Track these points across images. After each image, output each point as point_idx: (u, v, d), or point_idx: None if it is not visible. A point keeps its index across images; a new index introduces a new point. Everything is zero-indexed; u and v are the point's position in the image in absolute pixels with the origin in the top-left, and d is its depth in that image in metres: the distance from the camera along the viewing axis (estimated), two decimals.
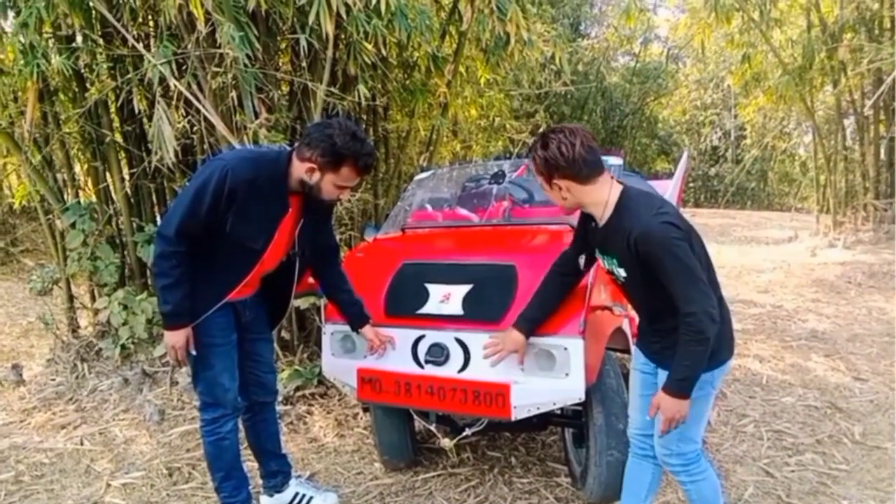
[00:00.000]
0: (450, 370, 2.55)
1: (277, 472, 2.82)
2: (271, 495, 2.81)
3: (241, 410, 2.64)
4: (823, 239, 9.31)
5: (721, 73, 18.58)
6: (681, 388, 1.93)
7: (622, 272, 2.07)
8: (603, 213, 2.03)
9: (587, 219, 2.18)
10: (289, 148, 2.52)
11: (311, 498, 2.84)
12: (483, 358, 2.47)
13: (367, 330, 2.68)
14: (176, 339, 2.36)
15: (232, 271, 2.45)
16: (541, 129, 2.03)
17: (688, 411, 1.96)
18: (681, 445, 2.08)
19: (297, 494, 2.83)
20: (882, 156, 9.34)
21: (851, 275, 7.19)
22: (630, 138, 20.25)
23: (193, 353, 2.41)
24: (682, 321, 1.90)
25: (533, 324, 2.39)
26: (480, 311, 2.56)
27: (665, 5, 20.00)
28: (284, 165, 2.38)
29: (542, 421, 2.77)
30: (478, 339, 2.54)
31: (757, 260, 8.57)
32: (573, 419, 2.77)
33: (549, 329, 2.43)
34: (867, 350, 4.76)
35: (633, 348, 3.06)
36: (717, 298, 1.95)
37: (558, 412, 2.69)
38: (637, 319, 3.20)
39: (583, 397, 2.37)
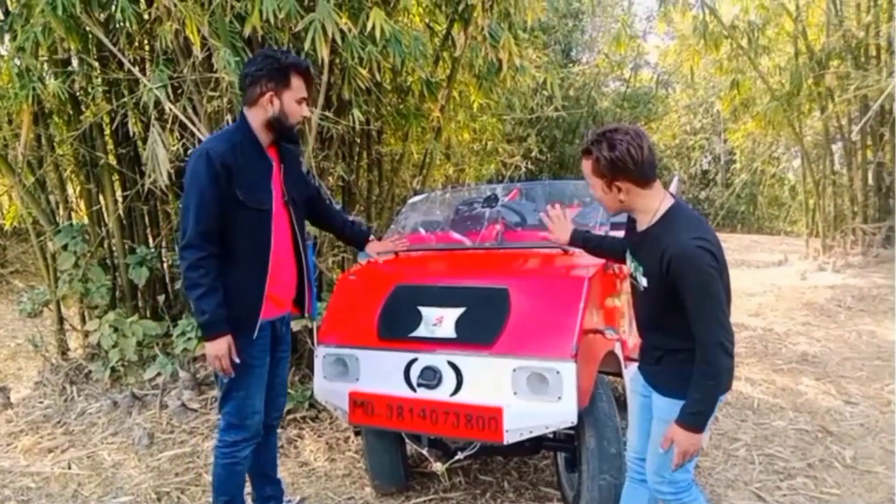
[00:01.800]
0: (442, 393, 2.55)
1: (270, 497, 2.80)
2: None
3: (260, 437, 2.60)
4: (813, 262, 9.37)
5: (710, 98, 18.87)
6: (693, 421, 1.90)
7: (644, 281, 2.05)
8: (648, 220, 2.02)
9: (631, 227, 2.18)
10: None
11: None
12: (546, 217, 2.56)
13: (373, 245, 2.80)
14: (218, 348, 2.34)
15: (257, 252, 2.44)
16: (598, 130, 2.01)
17: (700, 445, 1.94)
18: (674, 474, 2.06)
19: None
20: (870, 180, 9.46)
21: (841, 298, 7.23)
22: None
23: (237, 360, 2.38)
24: (697, 352, 1.88)
25: (585, 241, 2.49)
26: (473, 334, 2.57)
27: (655, 32, 20.29)
28: (246, 126, 2.43)
29: (535, 445, 2.77)
30: (470, 363, 2.54)
31: (747, 283, 8.61)
32: (565, 443, 2.77)
33: (541, 352, 2.44)
34: (857, 373, 4.78)
35: (632, 371, 3.08)
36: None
37: (551, 436, 2.69)
38: (637, 341, 3.24)
39: (575, 421, 2.37)
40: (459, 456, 2.69)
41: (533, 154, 9.97)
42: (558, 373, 2.38)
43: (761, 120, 9.53)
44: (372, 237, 2.97)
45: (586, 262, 2.68)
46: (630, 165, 1.93)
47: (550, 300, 2.56)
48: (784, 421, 3.88)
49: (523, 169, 10.06)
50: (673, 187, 4.34)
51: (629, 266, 2.18)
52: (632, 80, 20.12)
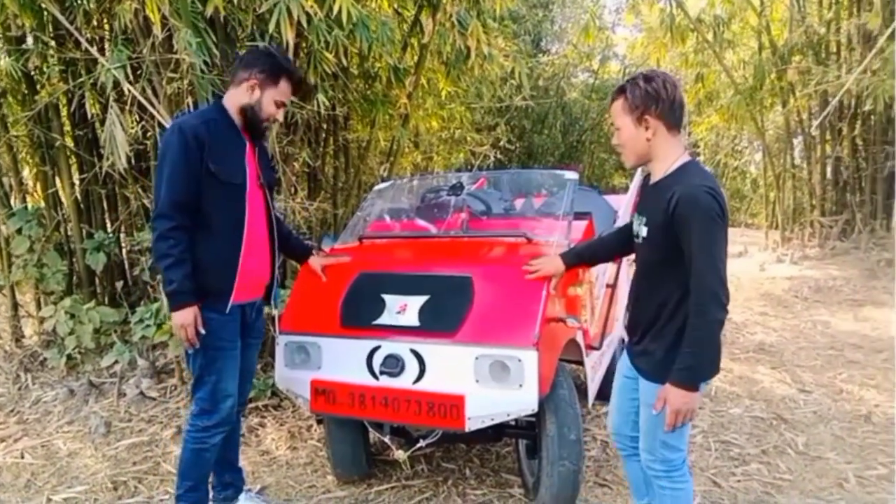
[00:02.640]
0: (405, 381, 2.55)
1: (230, 484, 2.78)
2: None
3: (232, 424, 2.60)
4: (772, 254, 9.60)
5: None
6: (685, 377, 1.87)
7: (644, 231, 2.03)
8: (664, 171, 2.00)
9: (644, 185, 2.17)
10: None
11: None
12: (525, 276, 2.50)
13: (314, 260, 2.83)
14: (184, 317, 2.34)
15: (232, 227, 2.45)
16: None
17: (696, 405, 1.91)
18: (665, 453, 2.06)
19: None
20: (828, 174, 9.71)
21: (798, 289, 7.42)
22: (588, 153, 20.56)
23: (202, 331, 2.38)
24: (691, 303, 1.86)
25: (578, 259, 2.49)
26: (436, 323, 2.57)
27: (623, 24, 20.42)
28: (222, 107, 2.49)
29: (497, 432, 2.79)
30: (433, 351, 2.54)
31: None
32: (527, 430, 2.79)
33: (503, 340, 2.45)
34: (812, 362, 4.91)
35: (593, 359, 3.12)
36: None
37: (512, 423, 2.71)
38: (598, 330, 3.28)
39: (536, 408, 2.39)
40: (421, 444, 2.69)
41: (502, 143, 9.98)
42: (520, 360, 2.39)
43: (725, 113, 9.69)
44: (315, 252, 2.98)
45: (548, 251, 2.69)
46: (663, 96, 1.94)
47: (513, 288, 2.57)
48: (740, 408, 3.97)
49: (492, 158, 10.08)
50: (636, 179, 4.39)
51: (634, 226, 2.15)
52: (600, 72, 20.24)
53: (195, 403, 2.51)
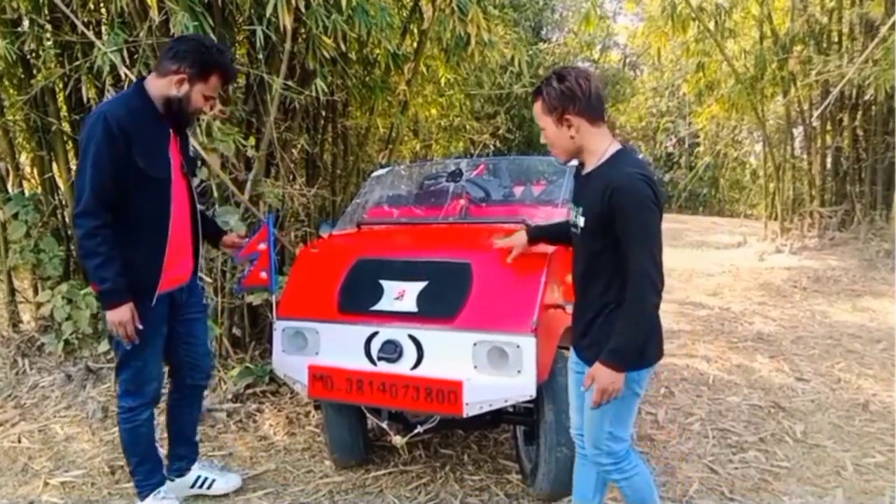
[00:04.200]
0: (403, 367, 2.54)
1: (184, 456, 2.83)
2: (172, 479, 2.79)
3: (158, 402, 2.66)
4: (771, 244, 9.58)
5: (677, 81, 18.99)
6: (615, 358, 1.89)
7: (581, 221, 2.03)
8: (596, 161, 2.00)
9: (577, 175, 2.17)
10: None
11: (213, 480, 2.85)
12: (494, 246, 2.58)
13: (228, 239, 2.86)
14: (122, 314, 2.34)
15: (156, 221, 2.44)
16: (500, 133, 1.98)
17: (621, 385, 1.91)
18: (610, 444, 2.06)
19: (198, 477, 2.84)
20: (828, 165, 9.68)
21: (797, 279, 7.42)
22: None
23: (140, 327, 2.39)
24: (627, 288, 1.88)
25: (540, 233, 2.50)
26: (435, 308, 2.56)
27: (624, 13, 20.37)
28: (145, 93, 2.42)
29: (494, 418, 2.78)
30: (431, 337, 2.54)
31: (707, 264, 8.78)
32: (525, 416, 2.79)
33: (502, 326, 2.45)
34: (810, 352, 4.91)
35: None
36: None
37: (510, 410, 2.71)
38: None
39: (534, 394, 2.39)
40: (419, 429, 2.69)
41: (501, 132, 9.94)
42: (518, 347, 2.39)
43: (725, 103, 9.65)
44: (229, 233, 3.01)
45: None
46: (578, 94, 1.94)
47: (512, 275, 2.56)
48: (738, 397, 3.98)
49: (492, 147, 10.04)
50: None
51: (571, 216, 2.15)
52: (601, 61, 20.20)
53: (119, 385, 2.56)
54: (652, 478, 2.18)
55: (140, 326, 2.39)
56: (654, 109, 22.35)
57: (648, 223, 1.87)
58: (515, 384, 2.40)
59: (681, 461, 3.13)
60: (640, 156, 2.11)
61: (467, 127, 8.41)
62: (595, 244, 2.00)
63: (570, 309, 2.64)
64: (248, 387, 3.83)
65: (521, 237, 2.52)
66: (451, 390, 2.45)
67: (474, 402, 2.44)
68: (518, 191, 3.58)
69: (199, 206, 2.73)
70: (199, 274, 3.99)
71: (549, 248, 2.57)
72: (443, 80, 6.23)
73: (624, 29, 19.79)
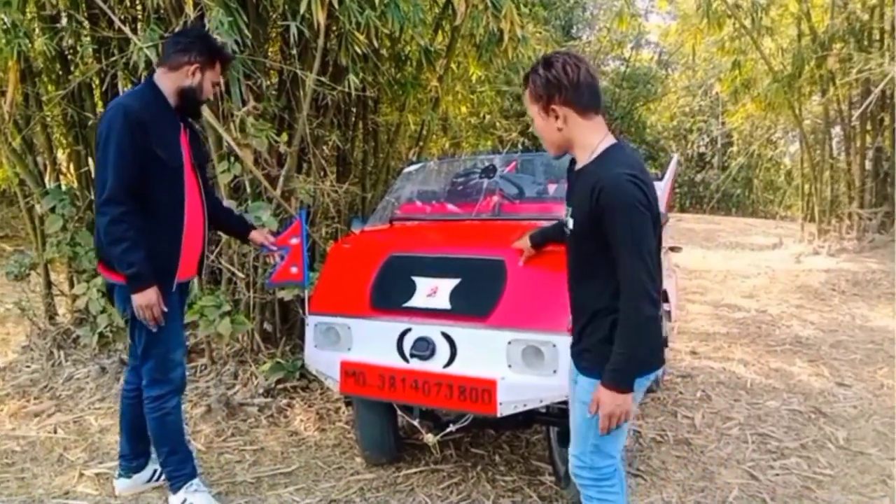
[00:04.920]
0: (436, 365, 2.51)
1: (142, 454, 2.81)
2: (129, 476, 2.79)
3: (184, 389, 2.74)
4: (808, 246, 9.36)
5: (710, 80, 18.69)
6: (616, 379, 1.73)
7: (570, 222, 1.90)
8: (587, 157, 1.83)
9: (569, 171, 2.03)
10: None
11: None
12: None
13: (256, 235, 2.90)
14: (149, 297, 2.40)
15: (173, 208, 2.52)
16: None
17: (630, 407, 1.75)
18: (595, 459, 1.89)
19: (155, 471, 2.82)
20: (868, 166, 9.42)
21: (835, 282, 7.23)
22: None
23: (165, 309, 2.45)
24: (620, 299, 1.72)
25: (544, 239, 2.47)
26: (468, 306, 2.52)
27: (656, 11, 20.07)
28: (156, 88, 2.53)
29: (527, 419, 2.73)
30: (465, 334, 2.50)
31: (742, 265, 8.60)
32: (559, 417, 2.73)
33: (537, 325, 2.40)
34: (850, 356, 4.77)
35: None
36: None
37: (543, 410, 2.65)
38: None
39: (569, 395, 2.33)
40: (451, 428, 2.66)
41: (531, 130, 9.86)
42: (554, 346, 2.34)
43: (761, 102, 9.44)
44: (259, 228, 3.08)
45: None
46: (565, 82, 1.77)
47: (548, 272, 2.51)
48: (777, 401, 3.87)
49: (520, 145, 9.97)
50: (671, 167, 4.29)
51: (564, 216, 2.01)
52: (632, 60, 19.94)
53: (145, 375, 2.58)
54: None
55: (165, 309, 2.45)
56: (686, 109, 22.04)
57: (638, 227, 1.70)
58: (551, 384, 2.35)
59: (719, 466, 3.05)
60: (635, 153, 1.93)
61: (497, 124, 8.35)
62: (585, 246, 1.86)
63: None
64: (278, 382, 3.83)
65: (526, 241, 2.46)
66: (484, 389, 2.41)
67: (508, 402, 2.39)
68: (552, 188, 3.52)
69: (226, 204, 2.82)
70: (232, 268, 4.03)
71: None
72: (473, 77, 6.19)
73: (656, 27, 19.51)
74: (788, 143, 20.40)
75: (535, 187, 3.50)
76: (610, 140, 1.84)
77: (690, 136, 22.49)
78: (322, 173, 4.72)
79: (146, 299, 2.39)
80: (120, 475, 2.81)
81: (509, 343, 2.42)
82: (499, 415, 2.40)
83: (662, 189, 3.85)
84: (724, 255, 9.65)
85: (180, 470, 2.62)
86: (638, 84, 19.30)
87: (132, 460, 2.80)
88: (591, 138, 1.83)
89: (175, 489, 2.61)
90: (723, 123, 19.90)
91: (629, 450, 3.17)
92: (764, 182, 21.17)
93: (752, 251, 10.04)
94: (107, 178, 2.36)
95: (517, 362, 2.41)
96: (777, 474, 2.98)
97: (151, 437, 2.65)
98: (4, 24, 3.81)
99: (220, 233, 3.66)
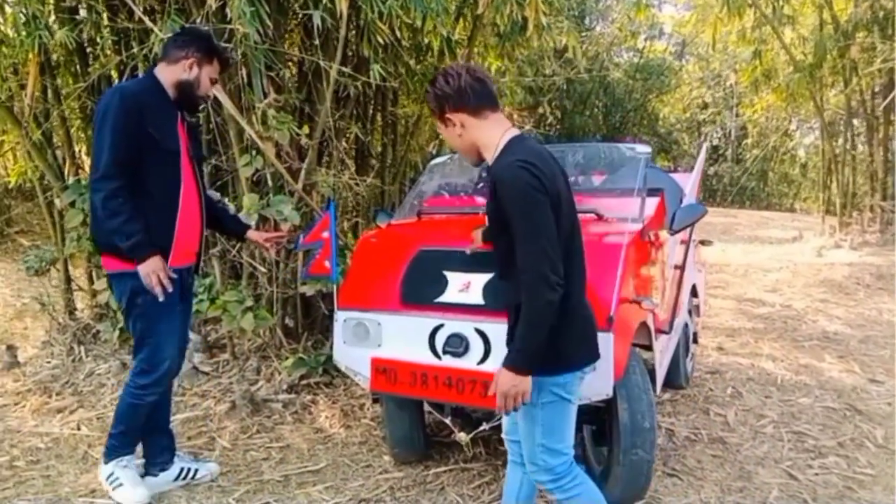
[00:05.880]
0: (469, 362, 2.44)
1: (165, 448, 2.83)
2: (156, 475, 2.79)
3: (168, 385, 2.78)
4: (829, 239, 9.23)
5: (724, 71, 18.48)
6: (514, 360, 1.76)
7: (487, 222, 1.94)
8: (492, 157, 1.87)
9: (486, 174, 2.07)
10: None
11: (196, 470, 2.86)
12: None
13: (253, 234, 2.96)
14: (153, 265, 2.44)
15: (168, 192, 2.55)
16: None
17: (527, 389, 1.76)
18: (547, 460, 1.89)
19: (181, 469, 2.83)
20: (890, 157, 9.26)
21: (859, 276, 7.11)
22: (631, 135, 20.12)
23: (173, 276, 2.49)
24: (521, 284, 1.73)
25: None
26: (504, 301, 2.45)
27: (670, 2, 19.85)
28: (155, 79, 2.59)
29: None
30: (499, 330, 2.42)
31: (762, 259, 8.48)
32: (594, 416, 2.66)
33: None
34: (880, 352, 4.67)
35: (662, 343, 2.97)
36: (570, 275, 1.77)
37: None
38: (667, 316, 3.12)
39: (610, 393, 2.27)
40: (484, 426, 2.60)
41: (549, 121, 9.80)
42: None
43: (783, 92, 9.29)
44: (252, 228, 3.12)
45: (622, 228, 2.55)
46: (448, 91, 1.86)
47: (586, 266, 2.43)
48: (810, 398, 3.78)
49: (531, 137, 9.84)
50: (701, 156, 4.21)
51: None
52: (645, 51, 19.73)
53: (136, 364, 2.63)
54: (600, 493, 1.97)
55: (174, 275, 2.49)
56: (700, 100, 21.80)
57: (533, 212, 1.71)
58: (590, 382, 2.25)
59: (756, 465, 2.97)
60: (539, 145, 1.94)
61: (514, 116, 8.26)
62: (500, 243, 1.87)
63: (647, 304, 2.53)
64: (301, 378, 3.79)
65: (479, 234, 2.35)
66: None
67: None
68: (583, 179, 3.44)
69: (221, 207, 2.90)
70: (254, 263, 3.99)
71: (625, 238, 2.45)
72: (493, 68, 6.10)
73: (670, 18, 19.29)
74: (804, 136, 20.20)
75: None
76: (511, 133, 1.88)
77: (704, 129, 22.25)
78: (342, 166, 4.67)
79: (150, 266, 2.43)
80: (148, 474, 2.78)
81: None
82: None
83: (694, 177, 3.78)
84: (743, 248, 9.52)
85: (122, 446, 2.67)
86: (651, 75, 19.07)
87: (156, 457, 2.80)
88: (491, 135, 1.88)
89: (108, 459, 2.66)
90: (737, 115, 19.69)
91: (663, 448, 3.10)
92: (778, 174, 20.94)
93: (771, 245, 9.92)
94: (102, 154, 2.40)
95: None
96: (816, 474, 2.90)
97: (116, 412, 2.69)
98: (25, 16, 3.77)
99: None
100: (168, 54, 2.61)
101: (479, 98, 1.87)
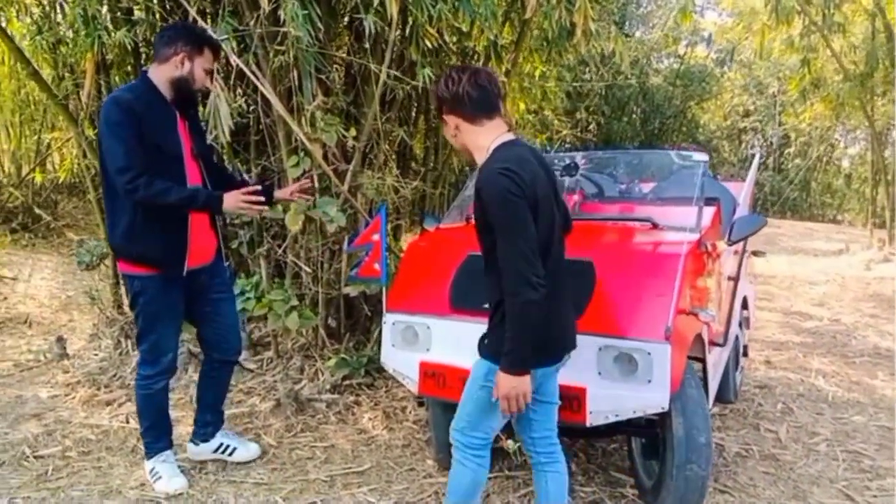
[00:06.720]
0: None
1: (209, 423, 2.98)
2: (197, 444, 2.98)
3: (175, 373, 2.88)
4: (878, 252, 8.96)
5: (767, 78, 18.13)
6: (508, 362, 1.85)
7: (474, 221, 2.03)
8: (482, 160, 1.97)
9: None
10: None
11: (234, 448, 2.99)
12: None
13: (280, 192, 2.98)
14: (234, 201, 2.58)
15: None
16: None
17: (527, 389, 1.87)
18: (468, 429, 2.06)
19: (221, 444, 2.98)
20: None
21: None
22: (669, 142, 19.83)
23: (260, 188, 2.70)
24: (503, 286, 1.84)
25: None
26: None
27: (713, 7, 19.56)
28: (149, 81, 2.61)
29: (611, 428, 2.61)
30: None
31: (808, 271, 8.28)
32: (644, 428, 2.61)
33: (631, 331, 2.29)
34: None
35: (715, 356, 2.91)
36: (547, 273, 1.86)
37: (627, 420, 2.54)
38: (721, 328, 3.06)
39: (666, 407, 2.22)
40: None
41: (591, 126, 9.72)
42: (649, 354, 2.23)
43: (832, 102, 9.06)
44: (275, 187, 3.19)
45: (679, 238, 2.50)
46: (446, 94, 1.97)
47: (642, 276, 2.40)
48: (864, 416, 3.67)
49: (568, 142, 9.78)
50: (754, 165, 4.12)
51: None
52: (687, 57, 19.43)
53: (140, 355, 2.77)
54: (480, 488, 2.12)
55: (260, 187, 2.70)
56: (741, 108, 21.39)
57: (512, 216, 1.81)
58: (645, 395, 2.24)
59: (811, 485, 2.88)
60: (526, 150, 2.02)
61: (556, 122, 8.21)
62: (484, 241, 1.97)
63: (704, 315, 2.47)
64: (344, 378, 3.80)
65: None
66: (573, 397, 2.31)
67: (599, 412, 2.29)
68: (635, 187, 3.39)
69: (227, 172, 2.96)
70: (299, 263, 4.01)
71: (683, 248, 2.40)
72: (537, 73, 6.07)
73: (712, 24, 19.00)
74: (848, 145, 19.70)
75: (616, 186, 3.38)
76: (502, 139, 1.97)
77: (745, 137, 21.83)
78: (386, 169, 4.68)
79: (229, 203, 2.58)
80: (191, 441, 3.01)
81: (600, 349, 2.32)
82: (588, 424, 2.30)
83: (747, 186, 3.70)
84: (787, 260, 9.30)
85: (156, 442, 2.81)
86: (692, 82, 18.78)
87: (199, 428, 2.99)
88: (483, 141, 1.98)
89: (149, 456, 2.81)
90: (780, 124, 19.28)
91: (713, 464, 3.03)
92: (822, 185, 20.43)
93: (815, 257, 9.67)
94: (118, 156, 2.44)
95: (608, 370, 2.30)
96: (875, 496, 2.81)
97: (137, 409, 2.83)
98: (83, 16, 3.86)
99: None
100: (157, 53, 2.62)
101: (476, 106, 1.97)
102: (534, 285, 1.79)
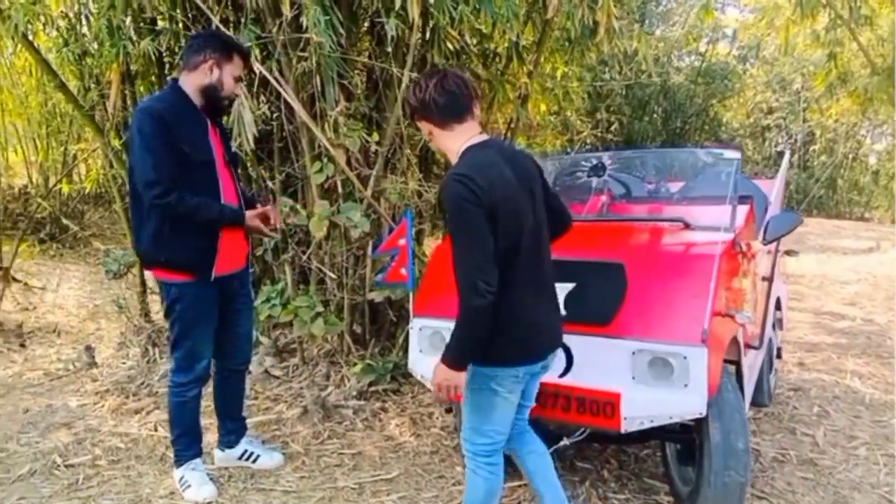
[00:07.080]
0: (550, 374, 2.36)
1: (232, 431, 3.03)
2: (223, 450, 3.03)
3: (208, 380, 2.87)
4: None
5: (791, 74, 17.86)
6: (447, 355, 1.91)
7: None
8: (454, 164, 1.99)
9: None
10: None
11: (258, 456, 3.02)
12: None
13: (250, 213, 2.84)
14: (251, 221, 2.68)
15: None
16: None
17: (460, 384, 1.92)
18: (473, 436, 2.07)
19: (245, 451, 3.03)
20: None
21: None
22: (692, 141, 19.60)
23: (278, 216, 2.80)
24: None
25: None
26: (585, 313, 2.38)
27: (734, 4, 19.32)
28: (179, 89, 2.63)
29: (645, 434, 2.55)
30: (582, 343, 2.37)
31: (838, 270, 8.11)
32: (679, 434, 2.55)
33: (666, 335, 2.24)
34: None
35: (750, 358, 2.84)
36: (512, 282, 1.89)
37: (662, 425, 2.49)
38: (758, 330, 2.99)
39: (703, 412, 2.17)
40: (565, 441, 2.51)
41: (613, 126, 9.63)
42: (685, 358, 2.18)
43: (860, 97, 8.86)
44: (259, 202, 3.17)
45: (713, 238, 2.44)
46: (413, 102, 2.01)
47: (676, 278, 2.35)
48: None
49: (588, 143, 9.68)
50: (784, 164, 4.03)
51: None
52: (708, 54, 19.20)
53: (174, 362, 2.77)
54: (495, 498, 2.11)
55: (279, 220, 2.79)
56: (764, 105, 21.09)
57: (463, 222, 1.84)
58: (682, 400, 2.18)
59: (852, 490, 2.80)
60: (494, 152, 2.01)
61: (578, 122, 8.14)
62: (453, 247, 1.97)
63: (741, 317, 2.41)
64: (370, 384, 3.78)
65: None
66: (607, 402, 2.27)
67: (634, 417, 2.24)
68: (665, 186, 3.32)
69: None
70: (324, 269, 4.01)
71: (718, 249, 2.34)
72: (559, 73, 6.01)
73: (734, 21, 18.76)
74: (874, 140, 19.32)
75: (643, 186, 3.32)
76: (471, 142, 1.98)
77: (768, 134, 21.50)
78: (409, 173, 4.66)
79: (255, 221, 2.69)
80: (217, 447, 3.05)
81: (633, 353, 2.27)
82: (623, 430, 2.25)
83: (778, 185, 3.62)
84: (816, 258, 9.12)
85: (187, 450, 2.83)
86: (714, 79, 18.55)
87: (224, 436, 3.03)
88: (453, 145, 2.00)
89: (179, 465, 2.83)
90: (804, 121, 18.98)
91: (750, 470, 2.96)
92: (849, 182, 20.06)
93: (845, 255, 9.48)
94: (144, 167, 2.46)
95: (643, 374, 2.25)
96: None
97: (169, 416, 2.84)
98: (108, 27, 3.89)
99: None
100: (187, 61, 2.65)
101: (444, 112, 1.98)
102: (481, 292, 1.81)
